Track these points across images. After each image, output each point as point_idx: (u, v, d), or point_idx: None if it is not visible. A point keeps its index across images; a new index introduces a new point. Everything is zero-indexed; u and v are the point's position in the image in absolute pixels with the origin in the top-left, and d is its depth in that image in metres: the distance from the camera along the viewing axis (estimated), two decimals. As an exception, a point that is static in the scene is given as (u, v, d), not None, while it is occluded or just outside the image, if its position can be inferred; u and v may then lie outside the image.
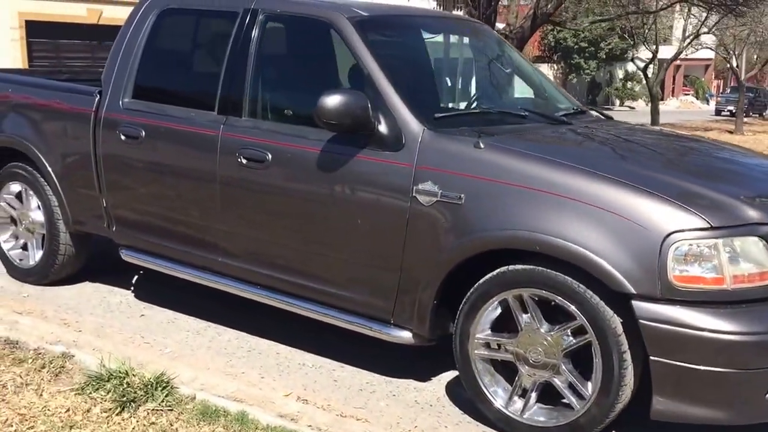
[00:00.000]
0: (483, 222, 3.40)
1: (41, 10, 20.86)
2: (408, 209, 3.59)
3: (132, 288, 5.31)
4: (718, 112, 42.61)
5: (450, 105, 4.04)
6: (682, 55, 29.57)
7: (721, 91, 63.48)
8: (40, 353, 4.06)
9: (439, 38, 4.51)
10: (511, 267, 3.37)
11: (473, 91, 4.50)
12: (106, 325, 4.66)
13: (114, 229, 4.78)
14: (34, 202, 5.16)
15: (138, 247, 4.75)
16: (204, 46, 4.77)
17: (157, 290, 5.18)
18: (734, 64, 33.46)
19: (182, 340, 4.48)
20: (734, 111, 41.42)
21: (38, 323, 4.58)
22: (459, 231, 3.46)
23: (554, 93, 4.73)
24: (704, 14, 22.54)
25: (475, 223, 3.42)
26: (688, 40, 27.36)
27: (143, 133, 4.46)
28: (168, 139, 4.42)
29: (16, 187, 5.26)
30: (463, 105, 4.19)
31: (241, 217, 4.20)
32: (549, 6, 13.22)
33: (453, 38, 4.49)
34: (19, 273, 5.33)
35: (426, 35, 4.43)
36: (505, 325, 3.49)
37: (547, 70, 42.02)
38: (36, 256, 5.25)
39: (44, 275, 5.22)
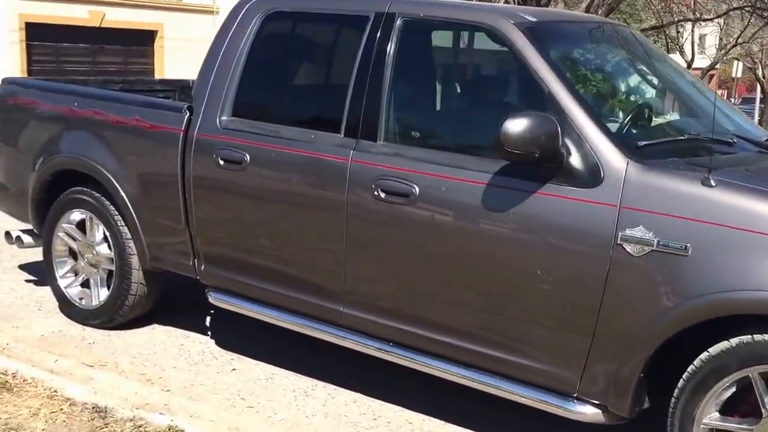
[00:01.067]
0: (718, 279, 2.74)
1: (42, 11, 20.06)
2: (609, 260, 2.91)
3: (209, 333, 4.58)
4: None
5: (646, 129, 3.37)
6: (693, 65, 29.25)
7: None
8: (139, 426, 3.34)
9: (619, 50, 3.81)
10: (758, 336, 2.70)
11: (666, 111, 3.83)
12: (196, 382, 3.94)
13: (202, 268, 4.07)
14: (101, 233, 4.44)
15: (231, 289, 4.04)
16: (322, 55, 4.08)
17: (240, 336, 4.46)
18: (760, 74, 33.27)
19: (291, 404, 3.77)
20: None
21: (117, 380, 3.87)
22: (683, 290, 2.79)
23: (726, 111, 4.00)
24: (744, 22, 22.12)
25: (707, 280, 2.76)
26: (724, 50, 27.05)
27: (247, 157, 3.76)
28: (279, 166, 3.72)
29: (77, 215, 4.54)
30: (656, 128, 3.51)
31: (376, 261, 3.51)
32: (601, 10, 12.61)
33: (624, 48, 3.80)
34: (80, 314, 4.59)
35: (605, 44, 3.75)
36: (735, 406, 2.82)
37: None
38: (100, 295, 4.52)
39: (111, 318, 4.49)
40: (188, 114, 3.98)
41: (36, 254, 5.15)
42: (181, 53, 21.02)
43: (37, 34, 20.17)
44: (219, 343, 4.44)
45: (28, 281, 5.36)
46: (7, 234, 5.05)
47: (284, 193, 3.73)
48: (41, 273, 4.99)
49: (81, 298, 4.60)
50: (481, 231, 3.19)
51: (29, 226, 4.92)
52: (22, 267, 5.64)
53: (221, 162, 3.83)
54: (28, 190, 4.72)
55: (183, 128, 3.98)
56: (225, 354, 4.31)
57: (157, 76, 21.27)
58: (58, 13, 20.42)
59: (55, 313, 4.71)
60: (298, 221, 3.69)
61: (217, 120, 3.89)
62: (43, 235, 4.71)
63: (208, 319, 4.68)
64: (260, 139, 3.76)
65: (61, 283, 4.65)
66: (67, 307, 4.66)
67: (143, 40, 22.50)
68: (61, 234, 4.62)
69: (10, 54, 19.72)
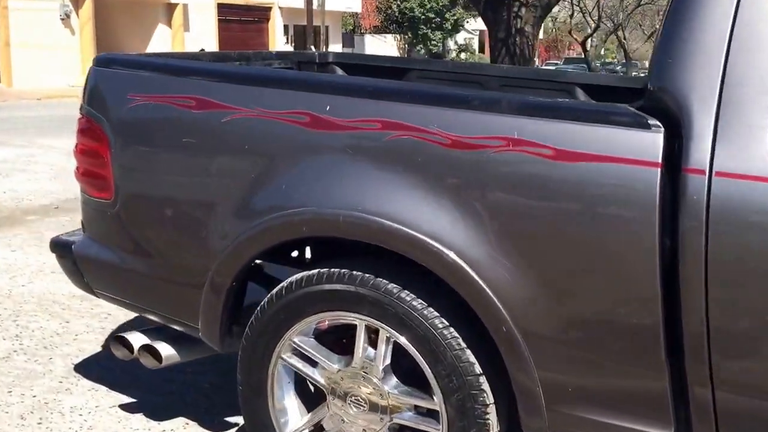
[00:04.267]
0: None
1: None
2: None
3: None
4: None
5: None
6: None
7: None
8: None
9: None
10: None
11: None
12: None
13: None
14: (387, 354, 2.29)
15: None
16: None
17: None
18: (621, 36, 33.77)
19: None
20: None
21: None
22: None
23: None
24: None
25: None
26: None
27: None
28: None
29: (327, 321, 2.34)
30: None
31: None
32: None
33: None
34: None
35: None
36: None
37: (392, 41, 40.26)
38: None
39: None
40: (667, 135, 1.94)
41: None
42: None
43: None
44: None
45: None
46: (119, 341, 2.74)
47: None
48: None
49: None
50: None
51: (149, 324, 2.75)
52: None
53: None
54: (200, 270, 2.49)
55: (660, 160, 1.93)
56: None
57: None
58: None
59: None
60: None
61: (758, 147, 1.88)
62: (246, 357, 2.48)
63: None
64: None
65: (286, 441, 2.45)
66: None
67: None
68: (286, 356, 2.41)
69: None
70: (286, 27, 35.88)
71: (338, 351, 2.41)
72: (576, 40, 33.16)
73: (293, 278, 2.39)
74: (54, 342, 3.75)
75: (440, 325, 2.19)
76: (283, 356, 2.42)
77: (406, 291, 2.22)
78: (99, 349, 3.70)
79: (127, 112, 2.68)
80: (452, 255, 2.09)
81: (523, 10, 10.36)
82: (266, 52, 3.83)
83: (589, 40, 32.31)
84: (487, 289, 2.08)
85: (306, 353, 2.41)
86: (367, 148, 2.27)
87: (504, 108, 2.12)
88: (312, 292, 2.34)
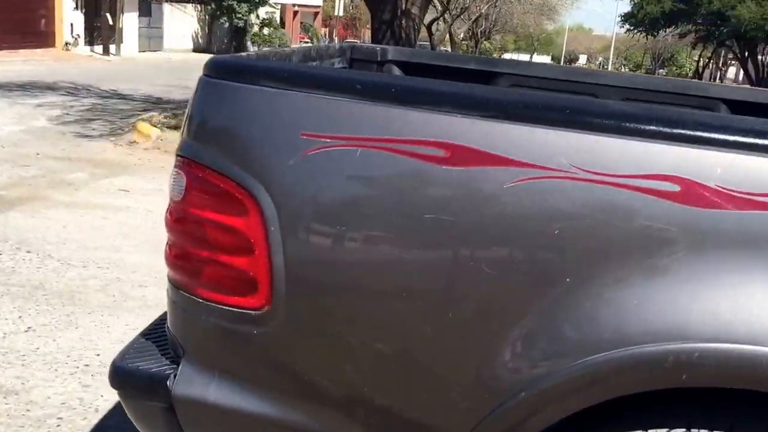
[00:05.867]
0: None
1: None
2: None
3: None
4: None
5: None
6: (298, 2, 28.18)
7: (326, 38, 65.13)
8: None
9: None
10: None
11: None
12: None
13: None
14: None
15: None
16: None
17: None
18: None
19: None
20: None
21: None
22: None
23: None
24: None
25: None
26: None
27: None
28: None
29: None
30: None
31: None
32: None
33: None
34: None
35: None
36: None
37: (192, 11, 37.97)
38: None
39: None
40: None
41: None
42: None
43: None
44: None
45: None
46: None
47: None
48: None
49: None
50: None
51: None
52: None
53: None
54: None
55: None
56: None
57: None
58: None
59: None
60: None
61: None
62: None
63: None
64: None
65: None
66: None
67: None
68: None
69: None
70: (75, -9, 32.59)
71: None
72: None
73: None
74: None
75: None
76: None
77: None
78: None
79: (303, 166, 1.55)
80: None
81: (410, -10, 9.61)
82: (326, 47, 2.71)
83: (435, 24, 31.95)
84: None
85: None
86: None
87: None
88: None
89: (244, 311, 1.62)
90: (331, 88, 1.56)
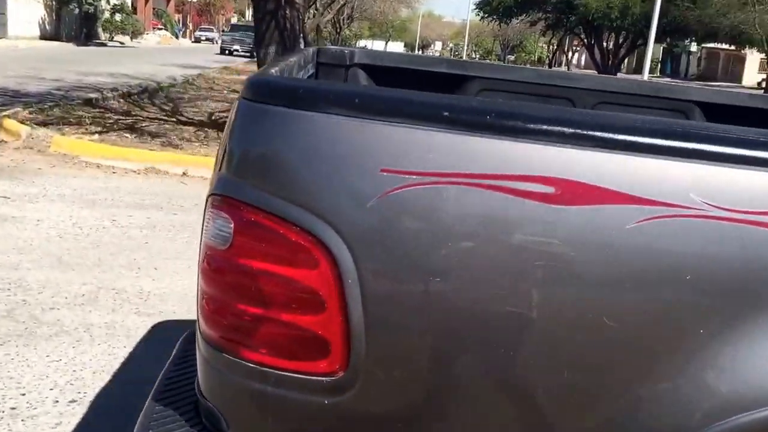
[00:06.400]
0: None
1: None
2: None
3: None
4: (223, 51, 41.30)
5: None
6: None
7: (181, 25, 63.23)
8: None
9: None
10: None
11: None
12: None
13: None
14: None
15: None
16: None
17: None
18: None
19: None
20: (240, 50, 41.10)
21: None
22: None
23: None
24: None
25: None
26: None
27: None
28: None
29: None
30: None
31: None
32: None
33: None
34: None
35: None
36: None
37: (38, -4, 35.71)
38: None
39: None
40: None
41: None
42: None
43: None
44: None
45: None
46: None
47: None
48: None
49: None
50: None
51: None
52: None
53: None
54: None
55: None
56: None
57: None
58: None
59: None
60: None
61: None
62: None
63: None
64: None
65: None
66: None
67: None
68: None
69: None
70: None
71: None
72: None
73: None
74: None
75: None
76: None
77: None
78: None
79: (384, 207, 1.33)
80: None
81: (293, -22, 9.34)
82: (303, 51, 2.46)
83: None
84: None
85: None
86: None
87: None
88: None
89: (311, 377, 1.38)
90: (416, 116, 1.34)
